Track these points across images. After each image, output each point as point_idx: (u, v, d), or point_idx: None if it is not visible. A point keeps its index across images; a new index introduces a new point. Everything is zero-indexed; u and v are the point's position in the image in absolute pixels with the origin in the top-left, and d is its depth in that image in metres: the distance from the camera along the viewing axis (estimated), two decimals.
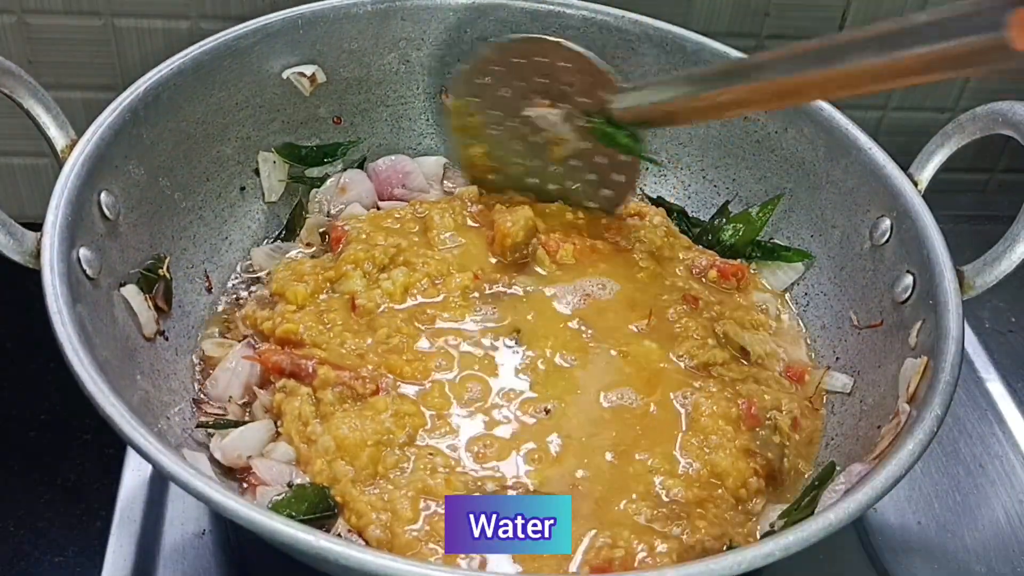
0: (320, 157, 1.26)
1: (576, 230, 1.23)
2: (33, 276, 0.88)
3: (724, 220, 1.28)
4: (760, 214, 1.26)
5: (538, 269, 1.18)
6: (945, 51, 0.79)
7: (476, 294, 1.13)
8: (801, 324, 1.20)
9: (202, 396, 1.04)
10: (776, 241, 1.25)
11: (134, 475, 1.08)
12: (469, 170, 1.29)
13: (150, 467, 1.07)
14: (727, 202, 1.29)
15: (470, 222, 1.22)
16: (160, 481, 1.07)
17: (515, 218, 1.17)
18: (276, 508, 0.91)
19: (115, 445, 1.11)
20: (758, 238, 1.26)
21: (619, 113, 1.15)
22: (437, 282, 1.13)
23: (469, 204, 1.24)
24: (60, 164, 0.97)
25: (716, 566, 0.75)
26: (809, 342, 1.18)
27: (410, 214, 1.21)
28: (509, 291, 1.14)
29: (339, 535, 0.91)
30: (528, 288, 1.15)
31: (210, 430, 1.01)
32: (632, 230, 1.24)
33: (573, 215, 1.25)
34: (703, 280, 1.21)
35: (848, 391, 1.09)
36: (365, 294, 1.10)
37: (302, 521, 0.87)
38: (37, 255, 0.89)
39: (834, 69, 0.89)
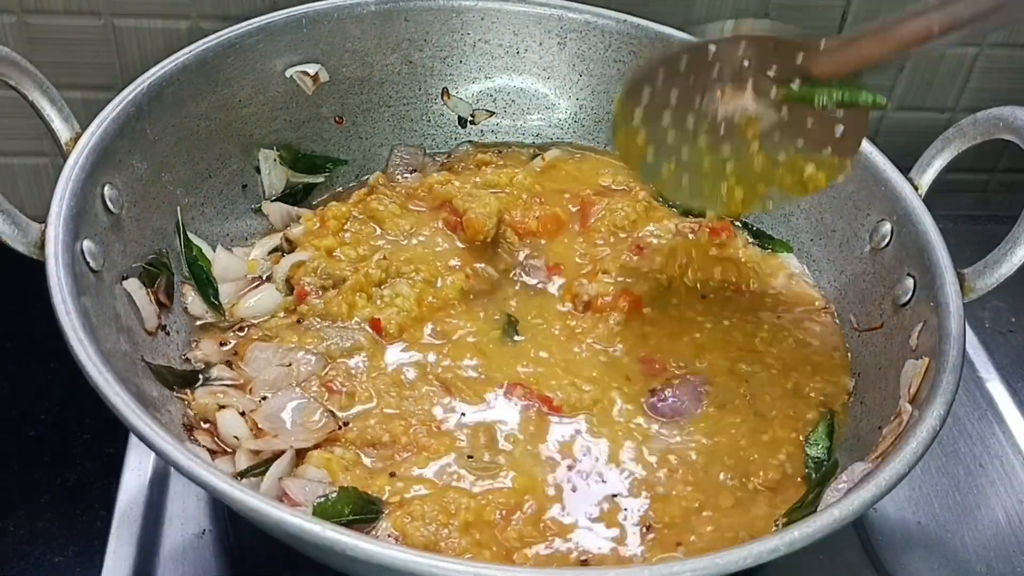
0: (310, 166, 1.27)
1: (537, 199, 1.26)
2: (33, 276, 0.88)
3: None
4: None
5: (505, 255, 1.20)
6: None
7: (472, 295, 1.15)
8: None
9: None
10: (761, 228, 1.27)
11: (134, 475, 1.08)
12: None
13: (150, 467, 1.08)
14: None
15: (411, 206, 1.23)
16: (160, 481, 1.07)
17: (487, 212, 1.18)
18: (321, 511, 0.90)
19: (115, 445, 1.10)
20: (746, 221, 1.28)
21: (826, 68, 1.01)
22: (436, 285, 1.14)
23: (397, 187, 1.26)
24: (64, 157, 0.97)
25: (721, 560, 0.76)
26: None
27: (356, 212, 1.22)
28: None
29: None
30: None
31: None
32: (606, 202, 1.25)
33: (532, 181, 1.27)
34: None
35: (849, 391, 1.09)
36: (383, 315, 1.10)
37: (345, 524, 0.87)
38: (41, 246, 0.89)
39: None
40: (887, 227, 1.11)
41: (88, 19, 1.31)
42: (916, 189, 1.10)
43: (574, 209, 1.25)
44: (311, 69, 1.22)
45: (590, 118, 1.34)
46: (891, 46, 0.97)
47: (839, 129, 1.05)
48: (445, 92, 1.31)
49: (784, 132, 1.06)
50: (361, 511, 0.92)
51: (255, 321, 1.11)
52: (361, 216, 1.21)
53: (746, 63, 1.03)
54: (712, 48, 1.03)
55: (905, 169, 1.12)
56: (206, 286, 1.11)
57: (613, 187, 1.28)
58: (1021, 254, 1.00)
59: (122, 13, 1.32)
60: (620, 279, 1.16)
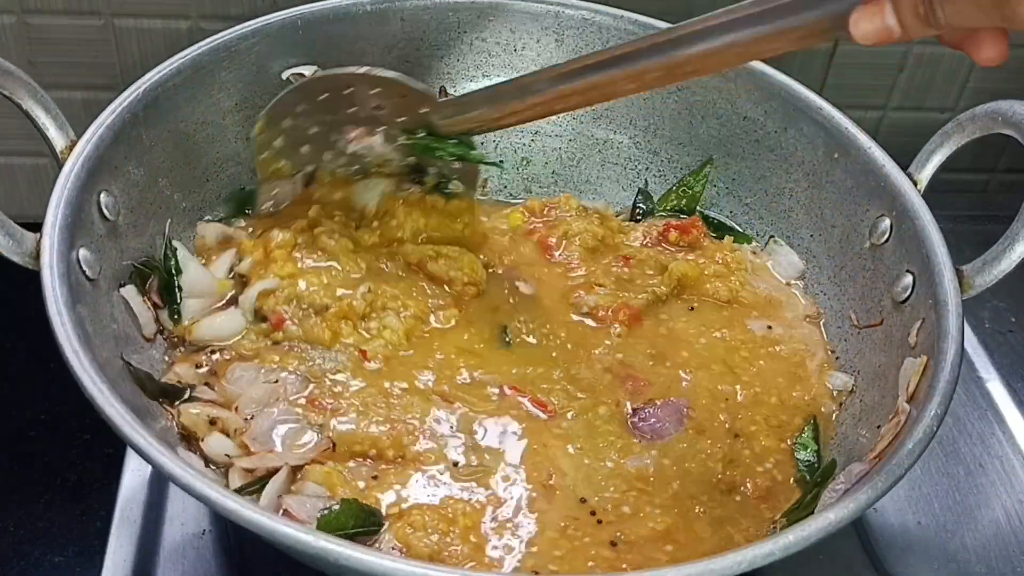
0: None
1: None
2: (33, 276, 0.88)
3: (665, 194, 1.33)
4: (695, 181, 1.30)
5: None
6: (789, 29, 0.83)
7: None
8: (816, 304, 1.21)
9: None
10: (723, 220, 1.29)
11: (134, 475, 1.08)
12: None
13: (150, 467, 1.07)
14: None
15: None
16: (160, 481, 1.08)
17: (477, 274, 1.16)
18: (325, 525, 0.90)
19: (115, 445, 1.10)
20: (705, 212, 1.30)
21: (444, 126, 1.13)
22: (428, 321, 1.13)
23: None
24: (60, 165, 0.97)
25: (716, 565, 0.75)
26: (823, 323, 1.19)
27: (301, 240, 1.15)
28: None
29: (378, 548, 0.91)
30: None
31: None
32: (564, 225, 1.25)
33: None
34: (663, 246, 1.25)
35: (849, 389, 1.09)
36: (369, 347, 1.08)
37: (349, 536, 0.88)
38: (37, 256, 0.89)
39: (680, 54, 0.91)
40: (886, 223, 1.10)
41: (88, 19, 1.31)
42: (915, 184, 1.09)
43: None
44: (307, 71, 1.21)
45: (588, 116, 1.33)
46: (505, 118, 1.09)
47: (457, 184, 1.20)
48: (443, 91, 1.31)
49: (415, 172, 1.19)
50: (364, 523, 0.92)
51: (218, 344, 1.08)
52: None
53: (380, 110, 1.13)
54: (348, 88, 1.11)
55: (905, 168, 1.11)
56: (172, 294, 1.09)
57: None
58: (1020, 250, 1.00)
59: (122, 13, 1.31)
60: (618, 292, 1.17)
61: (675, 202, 1.30)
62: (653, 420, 1.06)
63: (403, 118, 1.13)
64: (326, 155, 1.17)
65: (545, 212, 1.28)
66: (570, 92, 1.01)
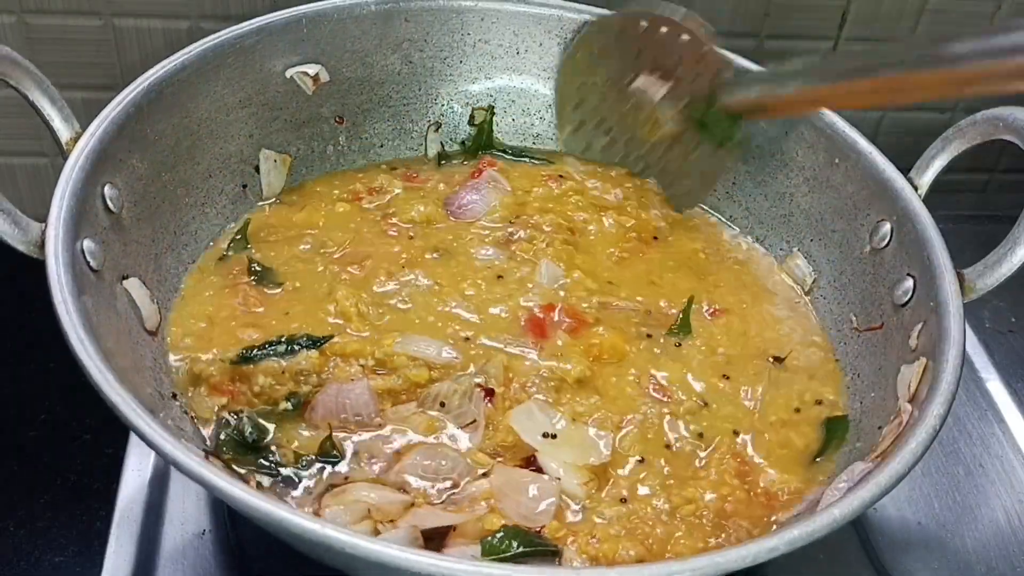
0: None
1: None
2: (32, 276, 0.88)
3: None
4: (485, 119, 1.35)
5: None
6: None
7: None
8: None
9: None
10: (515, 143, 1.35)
11: (134, 475, 1.08)
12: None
13: (150, 467, 1.08)
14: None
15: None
16: (160, 481, 1.07)
17: None
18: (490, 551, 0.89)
19: (115, 445, 1.11)
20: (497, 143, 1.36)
21: (728, 100, 1.19)
22: None
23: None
24: (64, 156, 0.96)
25: (722, 559, 0.75)
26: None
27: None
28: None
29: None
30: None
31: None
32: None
33: None
34: None
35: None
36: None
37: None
38: (41, 246, 0.89)
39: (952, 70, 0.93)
40: (887, 227, 1.11)
41: (88, 19, 1.31)
42: (916, 189, 1.09)
43: None
44: (311, 69, 1.22)
45: None
46: (798, 104, 1.15)
47: (695, 179, 1.29)
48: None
49: (668, 151, 1.28)
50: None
51: None
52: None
53: (678, 64, 1.22)
54: (659, 30, 1.20)
55: (905, 169, 1.12)
56: None
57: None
58: (1021, 254, 1.00)
59: (122, 13, 1.32)
60: None
61: (473, 142, 1.35)
62: None
63: (694, 84, 1.21)
64: (615, 91, 1.28)
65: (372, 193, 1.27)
66: (862, 88, 1.04)
